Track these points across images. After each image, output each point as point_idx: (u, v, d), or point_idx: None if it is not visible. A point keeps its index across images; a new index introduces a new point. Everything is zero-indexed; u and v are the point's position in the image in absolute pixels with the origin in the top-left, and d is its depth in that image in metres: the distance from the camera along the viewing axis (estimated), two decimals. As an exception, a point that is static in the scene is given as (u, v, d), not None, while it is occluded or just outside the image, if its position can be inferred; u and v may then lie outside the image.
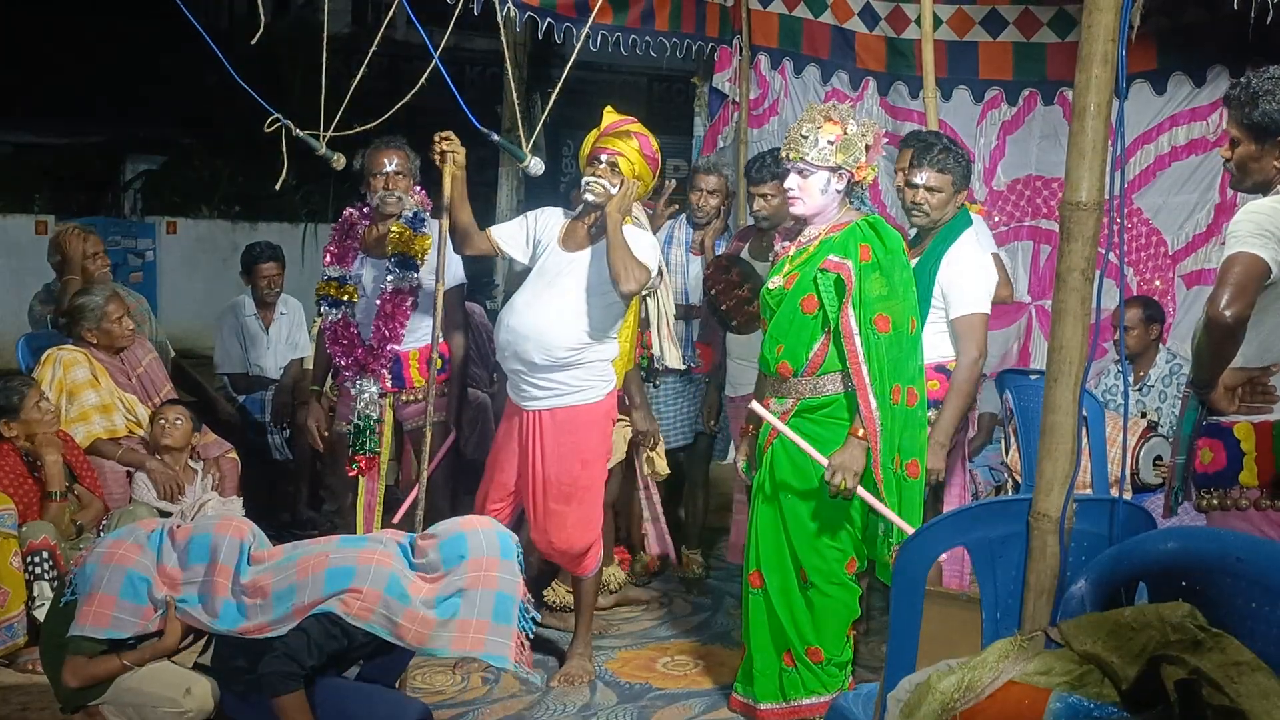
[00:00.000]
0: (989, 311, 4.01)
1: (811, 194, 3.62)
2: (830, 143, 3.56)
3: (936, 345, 3.97)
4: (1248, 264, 2.76)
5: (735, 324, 4.77)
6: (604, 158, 3.93)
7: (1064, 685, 2.25)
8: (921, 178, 4.04)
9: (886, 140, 6.50)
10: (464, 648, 3.09)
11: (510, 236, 4.16)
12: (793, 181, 3.63)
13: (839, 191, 3.63)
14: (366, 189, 4.53)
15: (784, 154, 3.66)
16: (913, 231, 4.23)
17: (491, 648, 3.06)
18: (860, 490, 3.52)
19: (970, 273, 3.98)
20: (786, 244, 3.81)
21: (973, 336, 3.93)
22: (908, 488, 3.61)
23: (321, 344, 4.68)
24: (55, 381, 4.71)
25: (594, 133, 4.02)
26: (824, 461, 3.55)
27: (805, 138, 3.58)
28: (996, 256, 4.29)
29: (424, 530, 3.34)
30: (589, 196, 3.95)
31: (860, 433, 3.52)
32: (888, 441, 3.53)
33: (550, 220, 4.15)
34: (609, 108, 4.08)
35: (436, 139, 3.99)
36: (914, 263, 4.00)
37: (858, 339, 3.52)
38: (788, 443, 3.67)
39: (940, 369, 3.99)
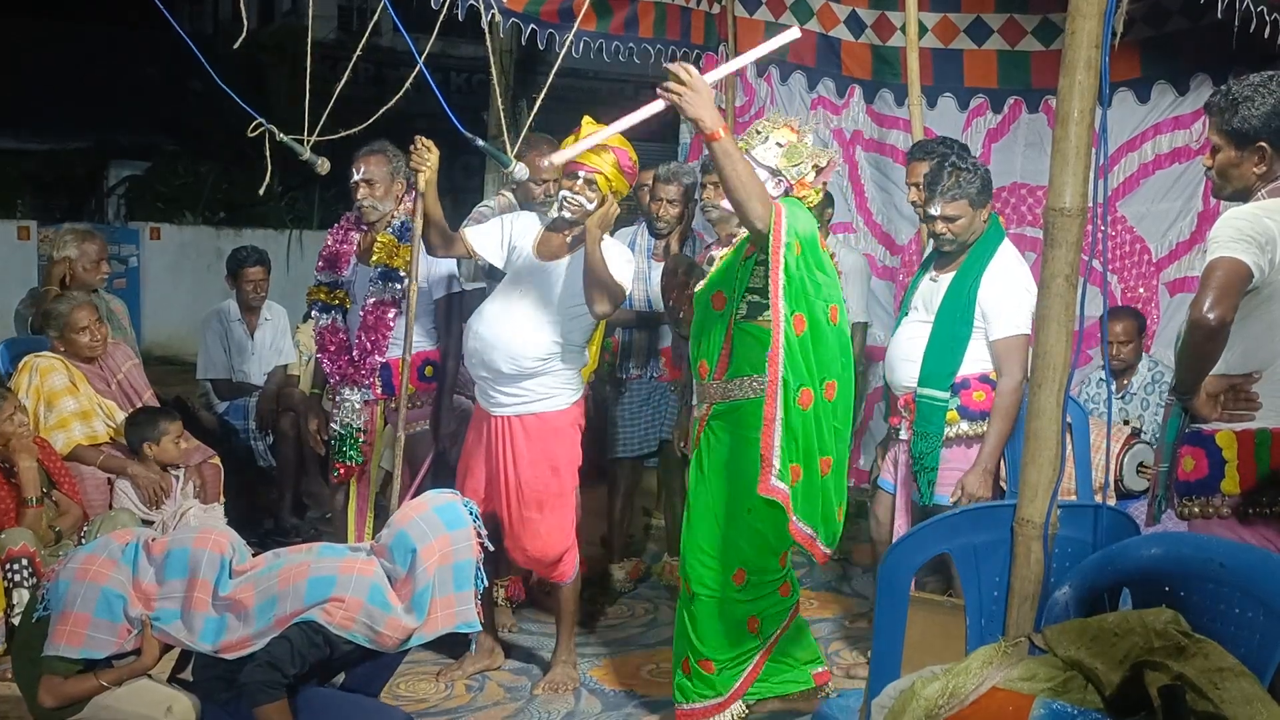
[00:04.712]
0: (1030, 332, 3.93)
1: None
2: (779, 144, 3.48)
3: (984, 356, 3.92)
4: (1230, 268, 2.77)
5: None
6: (581, 175, 3.89)
7: (1048, 691, 2.25)
8: (937, 209, 3.97)
9: (873, 150, 6.57)
10: (436, 629, 3.11)
11: (485, 239, 4.13)
12: None
13: (774, 197, 3.48)
14: None
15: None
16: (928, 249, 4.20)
17: (461, 617, 3.12)
18: None
19: (1012, 293, 3.87)
20: (725, 250, 3.75)
21: (1015, 358, 3.82)
22: (823, 486, 3.46)
23: None
24: (32, 389, 4.68)
25: (569, 141, 3.91)
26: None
27: (758, 133, 3.53)
28: None
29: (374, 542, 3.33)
30: (566, 214, 3.94)
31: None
32: (788, 446, 3.36)
33: (526, 225, 4.13)
34: (587, 118, 4.04)
35: (417, 144, 3.98)
36: (948, 279, 3.96)
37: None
38: (703, 451, 3.62)
39: (985, 379, 3.92)
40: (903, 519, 4.13)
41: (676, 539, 5.37)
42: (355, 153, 4.41)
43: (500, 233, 4.13)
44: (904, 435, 4.08)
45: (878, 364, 6.23)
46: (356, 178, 4.39)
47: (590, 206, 3.90)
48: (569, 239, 4.02)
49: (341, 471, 4.47)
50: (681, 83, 3.09)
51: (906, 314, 4.14)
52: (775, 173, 3.50)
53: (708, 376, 3.63)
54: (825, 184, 3.64)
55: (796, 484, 3.40)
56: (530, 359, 3.93)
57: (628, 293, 3.96)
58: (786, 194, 3.52)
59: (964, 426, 3.92)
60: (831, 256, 3.63)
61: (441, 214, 4.08)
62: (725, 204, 3.86)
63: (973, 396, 3.91)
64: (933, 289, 4.03)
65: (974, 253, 3.96)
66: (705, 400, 3.66)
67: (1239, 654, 2.16)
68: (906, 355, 4.04)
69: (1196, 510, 2.98)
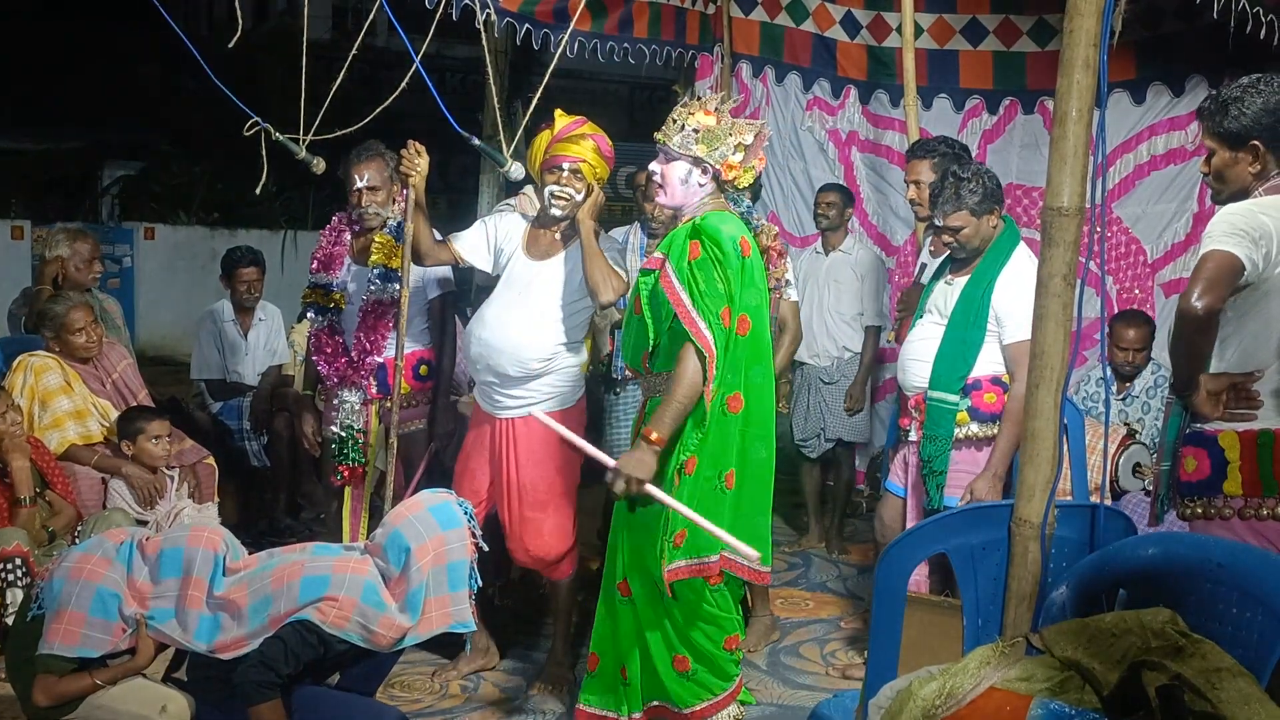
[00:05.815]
0: None
1: (671, 183, 3.43)
2: (695, 131, 3.37)
3: (996, 358, 3.89)
4: (1220, 260, 2.79)
5: None
6: (566, 166, 3.89)
7: (1045, 691, 2.25)
8: (940, 222, 3.95)
9: (869, 151, 6.58)
10: (431, 629, 3.10)
11: (472, 245, 4.12)
12: (655, 165, 3.47)
13: (700, 185, 3.40)
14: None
15: (655, 135, 3.48)
16: (926, 258, 4.16)
17: (455, 617, 3.11)
18: (649, 487, 3.27)
19: (1026, 297, 3.80)
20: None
21: (1027, 363, 3.79)
22: (729, 497, 3.39)
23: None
24: (27, 388, 4.66)
25: (544, 135, 3.94)
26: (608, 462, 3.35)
27: (674, 121, 3.42)
28: None
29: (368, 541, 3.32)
30: (555, 211, 3.94)
31: (653, 436, 3.26)
32: (683, 448, 3.29)
33: (511, 226, 4.12)
34: (558, 111, 4.01)
35: (408, 148, 3.98)
36: (963, 282, 3.94)
37: (704, 330, 3.26)
38: None
39: (996, 381, 3.89)
40: (914, 523, 4.09)
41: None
42: (352, 157, 4.38)
43: (485, 237, 4.12)
44: (914, 437, 4.06)
45: (878, 366, 6.24)
46: (360, 184, 4.36)
47: (579, 197, 3.90)
48: (558, 235, 4.02)
49: (345, 474, 4.46)
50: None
51: (921, 316, 4.12)
52: (697, 161, 3.39)
53: (638, 373, 3.56)
54: (759, 162, 3.50)
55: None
56: (535, 360, 3.93)
57: (627, 280, 3.92)
58: (715, 179, 3.42)
59: (974, 428, 3.89)
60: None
61: (427, 226, 4.08)
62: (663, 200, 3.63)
63: (984, 398, 3.88)
64: (947, 292, 4.00)
65: (988, 257, 3.93)
66: (645, 393, 3.60)
67: (1237, 654, 2.16)
68: (918, 356, 4.02)
69: (1199, 511, 2.98)
